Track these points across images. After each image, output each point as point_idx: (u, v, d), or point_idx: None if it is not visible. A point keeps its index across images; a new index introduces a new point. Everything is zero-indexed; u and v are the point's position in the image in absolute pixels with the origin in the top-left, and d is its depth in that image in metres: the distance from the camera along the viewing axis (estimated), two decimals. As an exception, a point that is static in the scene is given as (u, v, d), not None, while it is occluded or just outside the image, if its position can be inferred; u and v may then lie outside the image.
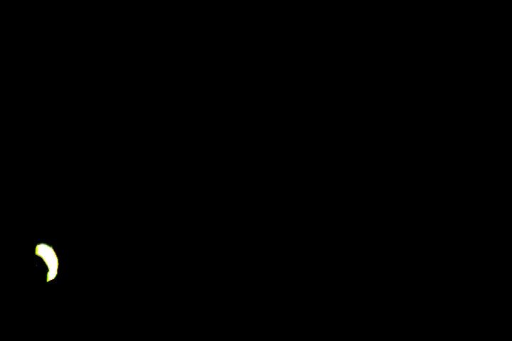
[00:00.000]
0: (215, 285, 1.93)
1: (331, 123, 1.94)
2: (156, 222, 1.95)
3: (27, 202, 1.95)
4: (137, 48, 1.94)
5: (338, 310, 1.92)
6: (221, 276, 1.94)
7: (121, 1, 1.92)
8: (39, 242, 1.91)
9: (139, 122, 1.94)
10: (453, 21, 1.90)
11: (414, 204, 1.94)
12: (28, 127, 1.95)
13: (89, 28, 1.93)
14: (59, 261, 1.91)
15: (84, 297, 1.92)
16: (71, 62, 1.94)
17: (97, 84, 1.95)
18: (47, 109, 1.95)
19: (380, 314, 1.90)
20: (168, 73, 1.94)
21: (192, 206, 1.94)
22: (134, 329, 1.92)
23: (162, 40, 1.93)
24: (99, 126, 1.95)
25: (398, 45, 1.93)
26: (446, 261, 1.91)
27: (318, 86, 1.94)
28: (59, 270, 1.90)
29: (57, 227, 1.95)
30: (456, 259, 1.91)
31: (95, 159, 1.95)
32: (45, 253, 1.90)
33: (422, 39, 1.92)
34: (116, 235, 1.95)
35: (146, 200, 1.95)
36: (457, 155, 1.93)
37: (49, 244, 1.92)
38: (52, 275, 1.89)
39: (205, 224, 1.95)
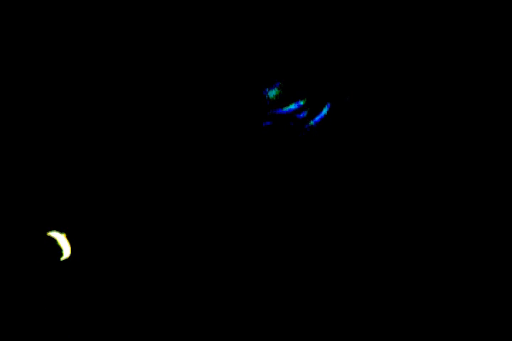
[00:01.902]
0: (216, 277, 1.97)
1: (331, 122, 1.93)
2: (164, 204, 1.98)
3: (38, 191, 2.04)
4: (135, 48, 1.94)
5: (339, 310, 1.91)
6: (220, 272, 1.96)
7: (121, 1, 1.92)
8: (51, 229, 2.01)
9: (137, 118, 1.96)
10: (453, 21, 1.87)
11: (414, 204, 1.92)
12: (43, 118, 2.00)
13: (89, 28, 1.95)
14: (71, 246, 2.02)
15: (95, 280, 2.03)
16: (71, 61, 1.97)
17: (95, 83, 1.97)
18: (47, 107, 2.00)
19: (380, 314, 1.89)
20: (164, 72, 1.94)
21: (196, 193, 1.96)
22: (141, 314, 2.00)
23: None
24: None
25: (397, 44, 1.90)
26: (446, 260, 1.90)
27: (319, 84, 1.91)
28: (72, 253, 2.00)
29: (68, 215, 2.04)
30: (456, 259, 1.90)
31: (101, 152, 2.00)
32: (58, 237, 2.01)
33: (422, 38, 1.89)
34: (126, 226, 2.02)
35: (152, 187, 1.98)
36: (457, 155, 1.92)
37: (61, 231, 2.02)
38: (65, 255, 1.99)
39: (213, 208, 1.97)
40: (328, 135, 1.90)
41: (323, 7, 1.83)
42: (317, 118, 1.82)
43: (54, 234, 2.02)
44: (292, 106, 1.80)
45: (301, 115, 1.82)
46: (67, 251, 2.02)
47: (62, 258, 2.00)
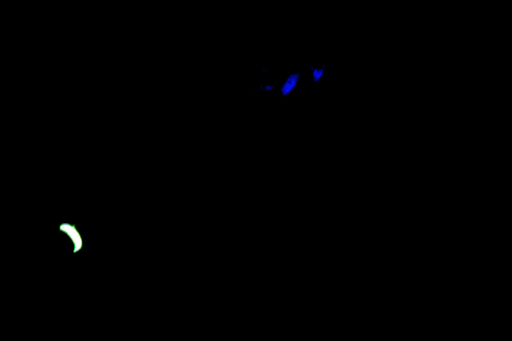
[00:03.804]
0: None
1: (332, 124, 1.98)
2: (172, 200, 2.05)
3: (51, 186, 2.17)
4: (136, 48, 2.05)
5: (338, 310, 1.90)
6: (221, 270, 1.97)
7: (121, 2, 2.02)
8: (62, 222, 2.14)
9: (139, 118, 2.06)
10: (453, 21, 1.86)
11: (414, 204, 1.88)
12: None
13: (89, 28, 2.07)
14: (82, 238, 2.13)
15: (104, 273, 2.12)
16: (71, 61, 2.09)
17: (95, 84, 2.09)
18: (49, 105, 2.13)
19: (380, 314, 1.87)
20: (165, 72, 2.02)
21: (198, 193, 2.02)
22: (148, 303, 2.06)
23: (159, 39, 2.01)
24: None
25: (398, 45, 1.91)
26: (446, 261, 1.87)
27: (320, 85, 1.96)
28: (82, 246, 2.11)
29: (78, 208, 2.16)
30: (456, 259, 1.87)
31: (109, 149, 2.12)
32: (69, 230, 2.14)
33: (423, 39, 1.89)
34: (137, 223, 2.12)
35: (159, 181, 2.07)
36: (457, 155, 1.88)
37: (71, 223, 2.15)
38: (77, 248, 2.10)
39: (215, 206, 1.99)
40: (298, 108, 1.89)
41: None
42: (286, 90, 1.83)
43: (66, 227, 2.15)
44: (256, 76, 1.82)
45: (268, 87, 1.83)
46: (78, 244, 2.13)
47: (74, 250, 2.12)
